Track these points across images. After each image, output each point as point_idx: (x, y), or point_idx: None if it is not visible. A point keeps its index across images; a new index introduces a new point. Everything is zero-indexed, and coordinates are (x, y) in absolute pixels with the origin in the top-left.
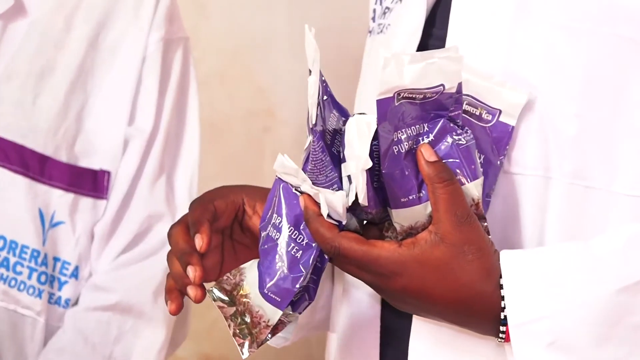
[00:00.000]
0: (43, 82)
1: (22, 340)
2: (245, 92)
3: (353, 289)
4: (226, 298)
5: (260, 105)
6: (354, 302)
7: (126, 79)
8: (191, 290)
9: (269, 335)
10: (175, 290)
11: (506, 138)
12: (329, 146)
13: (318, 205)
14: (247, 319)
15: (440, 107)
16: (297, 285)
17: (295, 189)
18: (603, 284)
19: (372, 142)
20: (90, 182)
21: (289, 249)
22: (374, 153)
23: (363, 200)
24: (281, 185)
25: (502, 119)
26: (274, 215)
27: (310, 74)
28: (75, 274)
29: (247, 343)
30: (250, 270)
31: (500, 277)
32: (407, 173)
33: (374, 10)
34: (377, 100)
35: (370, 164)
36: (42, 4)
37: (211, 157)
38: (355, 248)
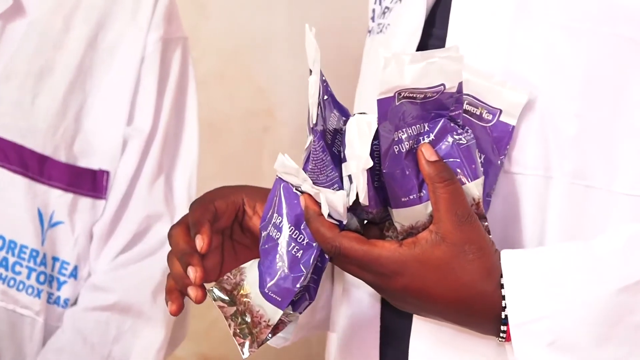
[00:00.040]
0: (42, 82)
1: (21, 340)
2: (245, 92)
3: (353, 288)
4: (226, 298)
5: (260, 105)
6: (354, 302)
7: (125, 79)
8: (192, 291)
9: (270, 335)
10: (176, 291)
11: (507, 138)
12: (329, 146)
13: (319, 205)
14: (248, 319)
15: (440, 107)
16: (298, 285)
17: (296, 189)
18: (603, 283)
19: (372, 142)
20: (89, 182)
21: (289, 249)
22: (375, 153)
23: (364, 199)
24: (282, 185)
25: (502, 118)
26: (275, 214)
27: (310, 74)
28: (74, 274)
29: (247, 343)
30: (250, 270)
31: (501, 276)
32: (407, 173)
33: (374, 10)
34: (378, 100)
35: (371, 163)
36: (40, 4)
37: (210, 157)
38: (356, 248)
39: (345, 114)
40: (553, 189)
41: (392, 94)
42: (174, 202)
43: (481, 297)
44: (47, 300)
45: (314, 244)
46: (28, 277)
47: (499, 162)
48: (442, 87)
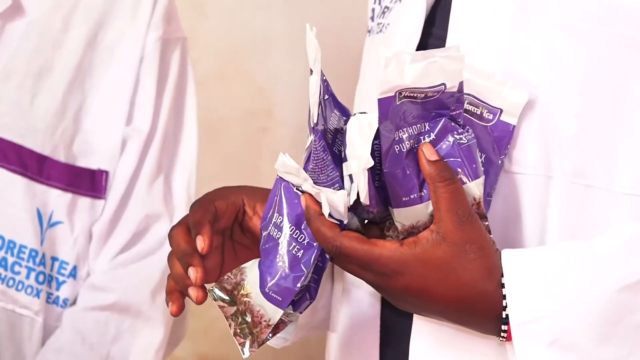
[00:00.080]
0: (41, 82)
1: (20, 339)
2: (243, 92)
3: (353, 288)
4: (227, 297)
5: (258, 105)
6: (354, 302)
7: (124, 79)
8: (192, 292)
9: (270, 335)
10: (176, 292)
11: (507, 137)
12: (330, 145)
13: (319, 204)
14: (248, 319)
15: (441, 106)
16: (298, 285)
17: (297, 189)
18: (604, 283)
19: (373, 142)
20: (88, 182)
21: (290, 248)
22: (376, 152)
23: (364, 199)
24: (282, 185)
25: (503, 118)
26: (275, 214)
27: (311, 73)
28: (73, 274)
29: (248, 343)
30: (251, 269)
31: (502, 276)
32: (408, 172)
33: (373, 10)
34: (379, 100)
35: (371, 163)
36: (40, 4)
37: (209, 157)
38: (356, 247)
39: (345, 114)
40: (553, 189)
41: (392, 94)
42: (173, 202)
43: (482, 296)
44: (46, 300)
45: (315, 244)
46: (27, 277)
47: (500, 161)
48: (442, 86)
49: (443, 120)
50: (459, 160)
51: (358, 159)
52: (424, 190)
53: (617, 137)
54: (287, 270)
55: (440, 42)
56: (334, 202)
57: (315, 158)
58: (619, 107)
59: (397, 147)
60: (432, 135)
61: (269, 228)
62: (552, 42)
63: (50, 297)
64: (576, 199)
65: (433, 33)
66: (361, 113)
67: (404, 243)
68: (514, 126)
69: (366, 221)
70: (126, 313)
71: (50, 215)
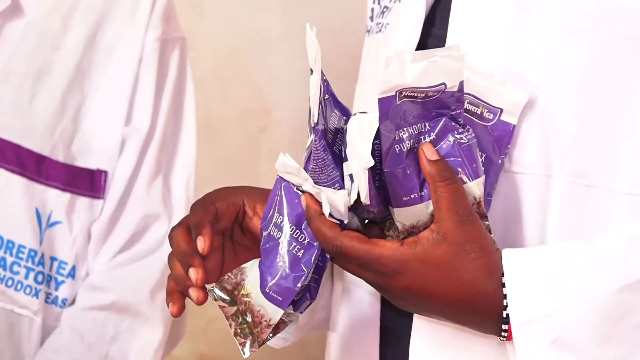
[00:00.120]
0: (40, 82)
1: (19, 339)
2: (242, 92)
3: (353, 287)
4: (227, 297)
5: (256, 105)
6: (354, 301)
7: (123, 79)
8: (193, 292)
9: (270, 335)
10: (177, 292)
11: (507, 137)
12: (330, 145)
13: (320, 204)
14: (249, 319)
15: (441, 106)
16: (299, 285)
17: (297, 188)
18: (605, 282)
19: (373, 141)
20: (87, 182)
21: (290, 248)
22: (376, 152)
23: (365, 199)
24: (282, 185)
25: (503, 117)
26: (276, 214)
27: (311, 73)
28: (72, 274)
29: (248, 343)
30: (251, 269)
31: (502, 275)
32: (408, 172)
33: (372, 10)
34: (379, 99)
35: (372, 162)
36: (39, 4)
37: (207, 157)
38: (357, 247)
39: (346, 113)
40: (553, 188)
41: (393, 93)
42: (171, 202)
43: (482, 296)
44: (45, 300)
45: (315, 244)
46: (26, 276)
47: (500, 161)
48: (443, 86)
49: (443, 119)
50: (460, 159)
51: (358, 158)
52: (425, 190)
53: (617, 136)
54: (287, 270)
55: (440, 42)
56: (335, 201)
57: (316, 158)
58: (619, 106)
59: (397, 147)
60: (433, 135)
61: (270, 228)
62: (552, 42)
63: (49, 297)
64: (576, 198)
65: (432, 33)
66: (361, 113)
67: (404, 243)
68: (514, 126)
69: (366, 221)
70: (125, 313)
71: (49, 215)
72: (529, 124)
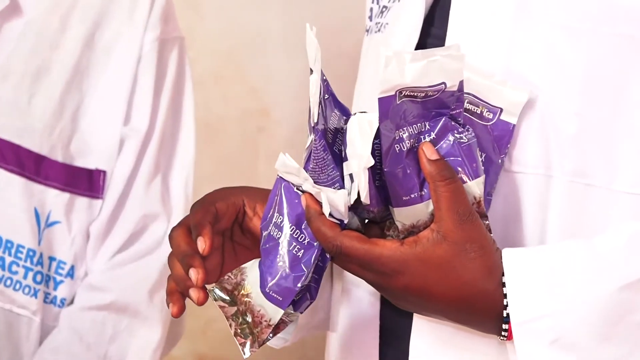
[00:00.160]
0: (38, 82)
1: (18, 339)
2: (240, 92)
3: (353, 287)
4: (227, 298)
5: (255, 105)
6: (354, 301)
7: (122, 79)
8: (193, 293)
9: (271, 335)
10: (177, 293)
11: (507, 136)
12: (330, 145)
13: (320, 204)
14: (249, 319)
15: (441, 106)
16: (299, 285)
17: (297, 188)
18: (605, 282)
19: (373, 141)
20: (86, 182)
21: (290, 248)
22: (376, 152)
23: (365, 198)
24: (282, 185)
25: (503, 117)
26: (276, 214)
27: (311, 73)
28: (70, 274)
29: (248, 343)
30: (251, 269)
31: (503, 275)
32: (408, 171)
33: (371, 9)
34: (379, 99)
35: (372, 162)
36: (37, 4)
37: (206, 157)
38: (357, 247)
39: (345, 113)
40: (553, 188)
41: (393, 93)
42: (170, 202)
43: (482, 295)
44: (44, 300)
45: (315, 244)
46: (25, 276)
47: (500, 160)
48: (443, 85)
49: (443, 119)
50: (459, 159)
51: (359, 158)
52: (425, 190)
53: (617, 136)
54: (287, 270)
55: (439, 42)
56: (335, 201)
57: (316, 157)
58: (619, 106)
59: (397, 147)
60: (433, 135)
61: (269, 228)
62: (552, 42)
63: (48, 297)
64: (576, 198)
65: (432, 33)
66: (361, 112)
67: (404, 242)
68: (514, 125)
69: (366, 221)
70: (123, 313)
71: (48, 215)
72: (529, 124)
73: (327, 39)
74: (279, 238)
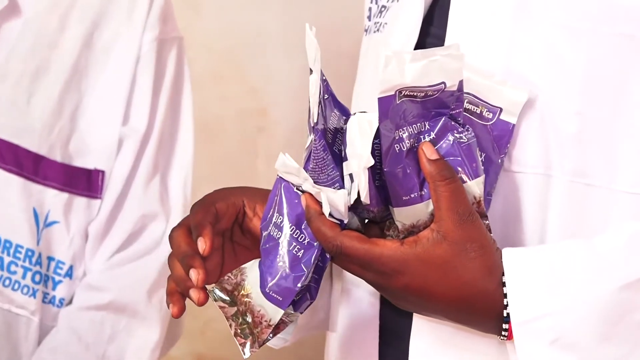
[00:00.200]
0: (37, 82)
1: (16, 339)
2: (239, 92)
3: (352, 287)
4: (227, 298)
5: (254, 105)
6: (353, 301)
7: (120, 79)
8: (194, 293)
9: (271, 335)
10: (177, 293)
11: (507, 136)
12: (330, 145)
13: (320, 204)
14: (249, 319)
15: (441, 105)
16: (299, 285)
17: (297, 188)
18: (605, 281)
19: (373, 141)
20: (84, 182)
21: (290, 248)
22: (376, 152)
23: (365, 198)
24: (282, 185)
25: (502, 117)
26: (276, 214)
27: (311, 73)
28: (69, 274)
29: (248, 343)
30: (251, 269)
31: (503, 274)
32: (408, 171)
33: (370, 9)
34: (379, 99)
35: (372, 162)
36: (36, 4)
37: (204, 157)
38: (357, 247)
39: (345, 113)
40: (553, 188)
41: (392, 93)
42: (169, 202)
43: (483, 295)
44: (43, 300)
45: (315, 244)
46: (23, 276)
47: (500, 160)
48: (442, 85)
49: (443, 119)
50: (459, 159)
51: (358, 158)
52: (425, 189)
53: (617, 135)
54: (287, 270)
55: (439, 42)
56: (335, 201)
57: (316, 157)
58: (619, 105)
59: (397, 146)
60: (432, 134)
61: (269, 228)
62: (552, 42)
63: (47, 297)
64: (576, 197)
65: (431, 32)
66: (361, 112)
67: (404, 242)
68: (514, 125)
69: (366, 221)
70: (122, 313)
71: (47, 215)
72: (529, 123)
73: (326, 38)
74: (278, 238)
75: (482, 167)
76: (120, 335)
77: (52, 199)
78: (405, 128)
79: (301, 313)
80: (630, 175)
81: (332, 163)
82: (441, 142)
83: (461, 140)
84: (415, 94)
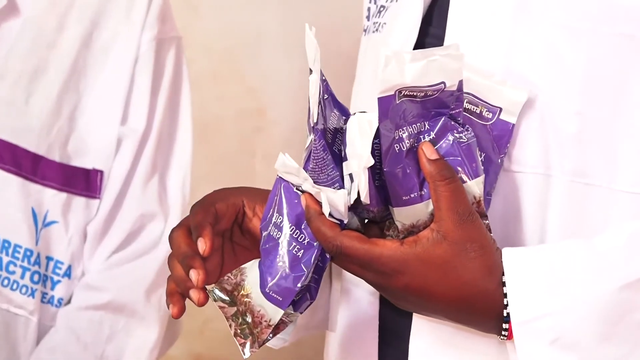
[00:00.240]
0: (36, 82)
1: (15, 339)
2: (237, 92)
3: (352, 287)
4: (227, 298)
5: (252, 105)
6: (353, 301)
7: (119, 79)
8: (194, 294)
9: (271, 335)
10: (177, 294)
11: (507, 136)
12: (330, 145)
13: (319, 204)
14: (249, 319)
15: (441, 105)
16: (299, 285)
17: (297, 188)
18: (605, 281)
19: (373, 141)
20: (83, 182)
21: (290, 248)
22: (375, 151)
23: (365, 198)
24: (282, 185)
25: (502, 117)
26: (275, 214)
27: (311, 73)
28: (68, 274)
29: (248, 343)
30: (251, 270)
31: (503, 274)
32: (408, 171)
33: (369, 9)
34: (379, 99)
35: (372, 161)
36: (35, 3)
37: (202, 157)
38: (357, 247)
39: (345, 113)
40: (553, 187)
41: (392, 92)
42: (167, 202)
43: (483, 295)
44: (41, 300)
45: (315, 244)
46: (22, 276)
47: (499, 160)
48: (442, 85)
49: (443, 119)
50: (459, 159)
51: (358, 158)
52: (424, 189)
53: (617, 135)
54: (287, 270)
55: (438, 42)
56: (334, 201)
57: (315, 157)
58: (619, 105)
59: (397, 146)
60: (432, 134)
61: (269, 228)
62: (552, 42)
63: (45, 297)
64: (576, 197)
65: (430, 32)
66: (361, 112)
67: (404, 242)
68: (514, 125)
69: (366, 221)
70: (120, 312)
71: (45, 215)
72: (529, 123)
73: (324, 38)
74: (278, 238)
75: (482, 167)
76: (118, 335)
77: (51, 198)
78: (405, 128)
79: (301, 313)
80: (630, 175)
81: (332, 163)
82: (441, 142)
83: (461, 140)
84: (415, 93)
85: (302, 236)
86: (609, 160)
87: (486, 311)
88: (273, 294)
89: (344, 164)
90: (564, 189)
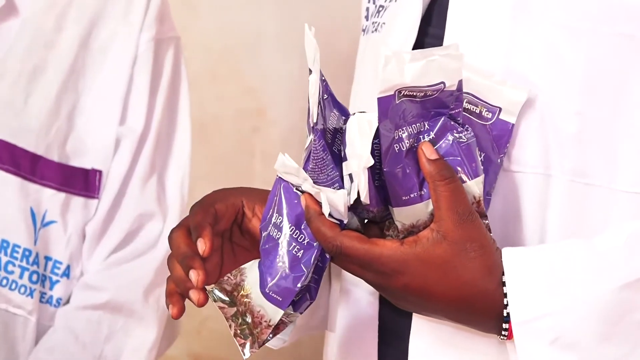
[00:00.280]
0: (34, 82)
1: (14, 339)
2: (236, 92)
3: (351, 287)
4: (227, 298)
5: (250, 104)
6: (353, 301)
7: (117, 79)
8: (193, 294)
9: (270, 335)
10: (177, 294)
11: (506, 136)
12: (329, 145)
13: (319, 204)
14: (248, 319)
15: (440, 105)
16: (299, 285)
17: (296, 188)
18: (605, 281)
19: (373, 141)
20: (81, 182)
21: (290, 249)
22: (375, 152)
23: (365, 198)
24: (282, 185)
25: (502, 116)
26: (275, 214)
27: (310, 73)
28: (66, 273)
29: (248, 343)
30: (251, 270)
31: (503, 274)
32: (408, 171)
33: (367, 9)
34: (378, 99)
35: (372, 161)
36: (33, 4)
37: (201, 157)
38: (357, 247)
39: (344, 113)
40: (553, 187)
41: (392, 92)
42: (166, 202)
43: (483, 295)
44: (40, 300)
45: (315, 244)
46: (21, 276)
47: (499, 160)
48: (442, 85)
49: (442, 119)
50: (459, 158)
51: (358, 158)
52: (424, 189)
53: (617, 135)
54: (287, 271)
55: (437, 41)
56: (334, 201)
57: (315, 158)
58: (619, 105)
59: (396, 146)
60: (432, 134)
61: (269, 228)
62: (552, 41)
63: (44, 297)
64: (576, 197)
65: (429, 32)
66: (361, 112)
67: (404, 242)
68: (513, 125)
69: (366, 221)
70: (119, 312)
71: (44, 215)
72: (529, 123)
73: (323, 38)
74: (278, 238)
75: (482, 167)
76: (117, 335)
77: (50, 198)
78: (404, 128)
79: (301, 313)
80: (630, 175)
81: (331, 163)
82: (440, 142)
83: (460, 140)
84: (414, 93)
85: (301, 236)
86: (609, 160)
87: (486, 311)
88: (273, 294)
89: (344, 164)
90: (564, 188)
